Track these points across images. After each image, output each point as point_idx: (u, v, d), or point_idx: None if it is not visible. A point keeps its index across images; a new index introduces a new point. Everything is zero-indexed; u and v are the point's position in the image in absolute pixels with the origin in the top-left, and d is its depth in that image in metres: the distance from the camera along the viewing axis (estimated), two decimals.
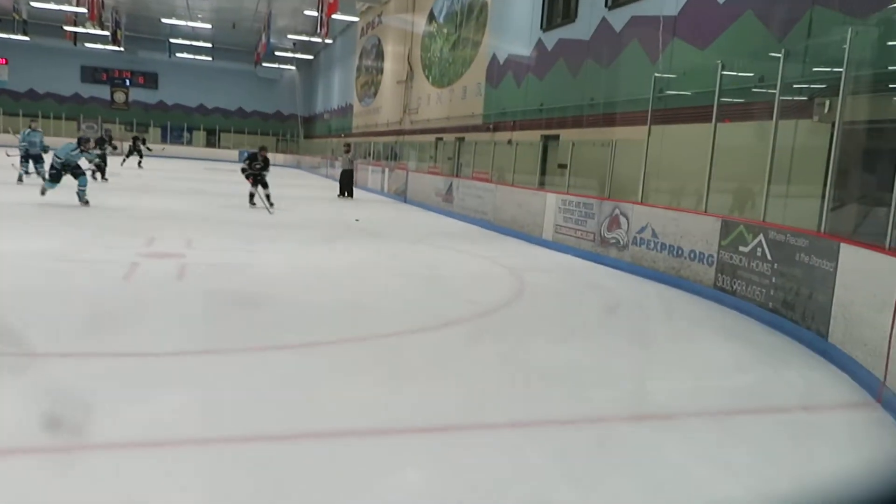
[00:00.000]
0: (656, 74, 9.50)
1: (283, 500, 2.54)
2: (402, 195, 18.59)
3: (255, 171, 13.12)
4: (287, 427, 3.16)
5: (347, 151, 19.34)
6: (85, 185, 11.28)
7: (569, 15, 14.06)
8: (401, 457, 2.96)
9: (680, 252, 7.60)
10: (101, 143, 17.67)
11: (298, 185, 23.28)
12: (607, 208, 9.10)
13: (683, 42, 10.38)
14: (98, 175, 16.37)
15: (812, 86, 7.41)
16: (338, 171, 20.66)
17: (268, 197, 12.97)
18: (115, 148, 19.13)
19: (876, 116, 6.10)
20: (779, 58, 6.49)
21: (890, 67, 6.20)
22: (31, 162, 14.59)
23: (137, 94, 44.83)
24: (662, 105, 9.83)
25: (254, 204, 13.06)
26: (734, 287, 6.61)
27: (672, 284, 7.55)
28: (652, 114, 8.95)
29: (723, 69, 7.47)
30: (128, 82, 44.50)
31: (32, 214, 10.24)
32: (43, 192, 11.27)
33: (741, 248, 6.54)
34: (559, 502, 2.66)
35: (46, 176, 11.38)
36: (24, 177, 14.52)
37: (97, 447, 2.83)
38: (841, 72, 5.53)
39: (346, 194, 18.54)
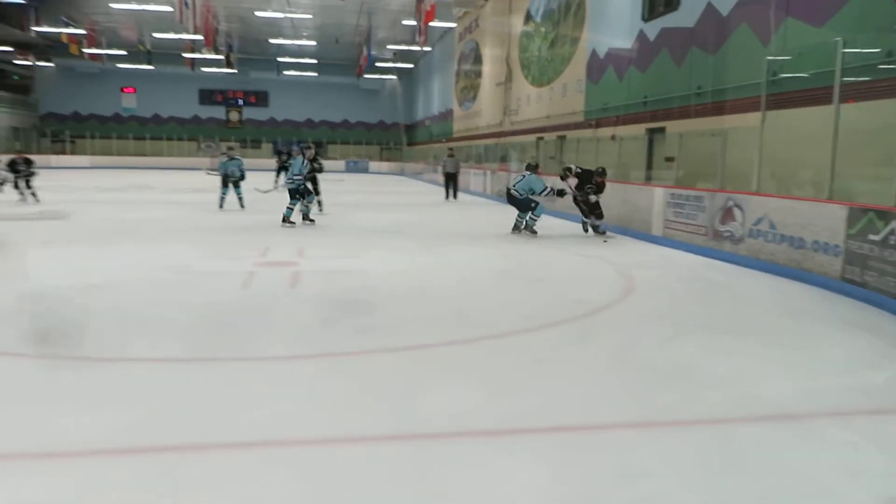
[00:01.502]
0: (769, 57, 9.01)
1: (397, 499, 2.59)
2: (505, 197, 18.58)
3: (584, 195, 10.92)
4: (399, 428, 3.22)
5: (451, 156, 19.66)
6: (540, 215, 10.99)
7: (671, 3, 13.57)
8: (514, 458, 2.95)
9: (802, 243, 7.14)
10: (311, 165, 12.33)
11: (405, 191, 23.77)
12: (720, 200, 8.69)
13: (798, 20, 9.76)
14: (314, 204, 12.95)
15: None
16: (440, 177, 20.98)
17: (595, 228, 11.08)
18: (320, 168, 14.06)
19: None
20: None
21: None
22: (230, 187, 14.24)
23: (250, 113, 47.31)
24: (777, 89, 9.29)
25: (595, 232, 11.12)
26: (864, 278, 6.14)
27: (794, 278, 7.11)
28: (766, 99, 8.48)
29: (844, 47, 6.96)
30: (241, 102, 47.06)
31: (151, 231, 10.99)
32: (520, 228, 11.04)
33: (871, 237, 6.06)
34: None
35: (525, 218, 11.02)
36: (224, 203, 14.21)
37: (214, 447, 2.99)
38: None
39: (451, 196, 19.14)
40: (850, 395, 3.78)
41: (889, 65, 7.53)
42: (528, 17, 22.22)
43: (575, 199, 11.07)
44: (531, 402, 3.57)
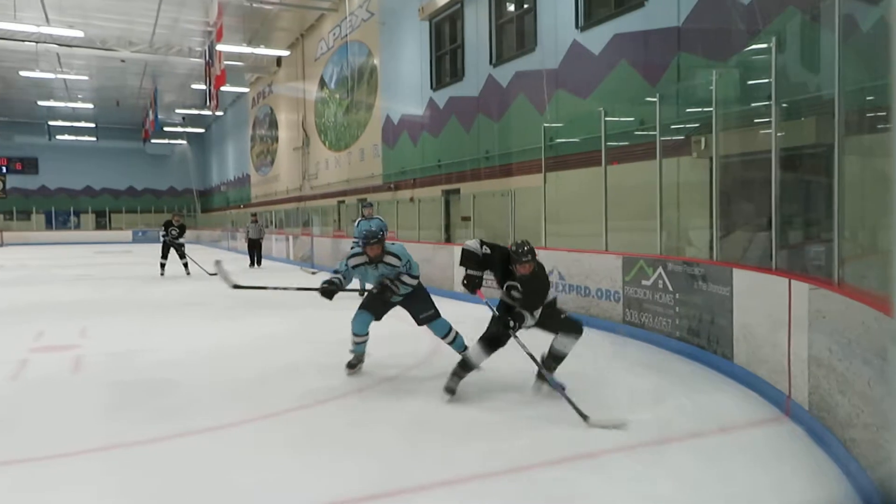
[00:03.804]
0: (545, 124, 9.94)
1: None
2: (308, 261, 18.33)
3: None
4: None
5: (255, 222, 19.07)
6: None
7: (456, 73, 14.56)
8: None
9: (587, 291, 7.81)
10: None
11: (202, 260, 22.47)
12: None
13: (567, 92, 10.93)
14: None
15: (687, 125, 7.94)
16: (240, 243, 20.22)
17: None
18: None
19: (747, 149, 6.58)
20: (655, 101, 6.93)
21: (753, 104, 6.74)
22: None
23: (16, 181, 42.56)
24: (554, 152, 10.26)
25: None
26: (642, 320, 6.84)
27: (584, 324, 7.71)
28: (545, 161, 9.30)
29: (606, 115, 7.89)
30: (4, 169, 42.24)
31: None
32: None
33: (644, 282, 6.80)
34: None
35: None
36: None
37: None
38: (711, 111, 5.96)
39: (256, 263, 18.52)
40: (638, 428, 4.13)
41: (642, 131, 8.64)
42: (323, 84, 22.57)
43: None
44: (340, 473, 3.47)
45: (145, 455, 3.82)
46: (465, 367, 4.94)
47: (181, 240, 15.40)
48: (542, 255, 8.61)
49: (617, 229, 7.88)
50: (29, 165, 42.72)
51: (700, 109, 7.60)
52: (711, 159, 5.97)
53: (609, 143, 7.90)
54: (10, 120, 38.71)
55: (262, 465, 3.58)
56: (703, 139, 7.46)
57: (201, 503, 3.13)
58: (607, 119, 7.88)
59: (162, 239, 15.44)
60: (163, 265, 15.43)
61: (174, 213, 16.19)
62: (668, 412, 4.52)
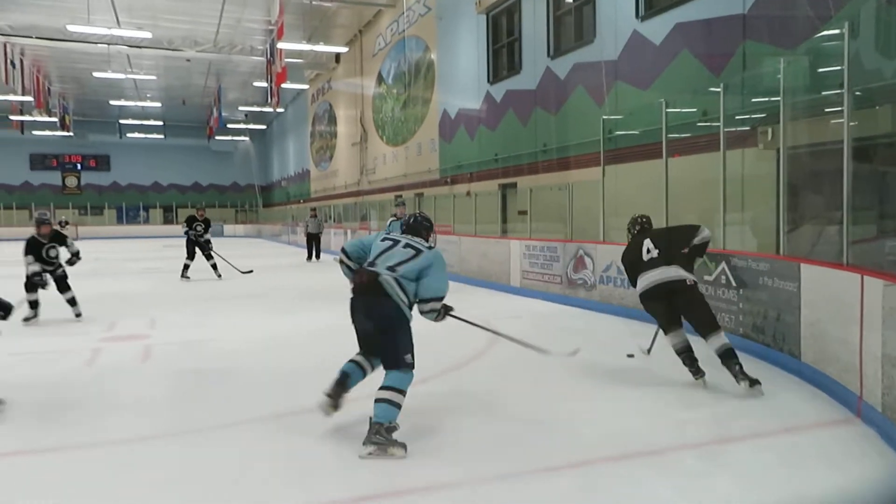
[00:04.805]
0: (604, 117, 9.78)
1: None
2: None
3: None
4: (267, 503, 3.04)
5: (314, 216, 19.42)
6: None
7: (514, 66, 14.48)
8: None
9: None
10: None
11: (263, 254, 23.08)
12: (571, 250, 9.19)
13: (626, 84, 10.73)
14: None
15: (753, 115, 7.69)
16: (300, 237, 20.62)
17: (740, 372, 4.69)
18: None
19: (816, 140, 6.34)
20: (718, 92, 6.73)
21: (823, 93, 6.47)
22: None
23: (90, 178, 44.49)
24: (613, 145, 10.09)
25: None
26: None
27: (642, 319, 7.57)
28: (604, 155, 9.16)
29: (667, 107, 7.71)
30: (79, 166, 44.24)
31: None
32: None
33: (706, 277, 6.63)
34: None
35: None
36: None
37: None
38: (778, 100, 5.76)
39: (314, 257, 18.86)
40: (700, 426, 4.06)
41: (705, 122, 8.41)
42: (381, 80, 22.78)
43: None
44: (404, 462, 3.51)
45: (207, 442, 3.95)
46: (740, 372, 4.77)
47: (207, 236, 13.71)
48: (602, 250, 8.51)
49: (678, 223, 7.70)
50: (102, 162, 44.62)
51: (767, 99, 7.36)
52: (779, 150, 5.77)
53: (670, 135, 7.73)
54: (84, 119, 40.46)
55: (322, 456, 3.65)
56: (769, 130, 7.22)
57: (261, 492, 3.21)
58: (668, 110, 7.71)
59: (186, 236, 13.64)
60: (186, 266, 13.64)
61: (198, 208, 14.28)
62: (732, 410, 4.41)
